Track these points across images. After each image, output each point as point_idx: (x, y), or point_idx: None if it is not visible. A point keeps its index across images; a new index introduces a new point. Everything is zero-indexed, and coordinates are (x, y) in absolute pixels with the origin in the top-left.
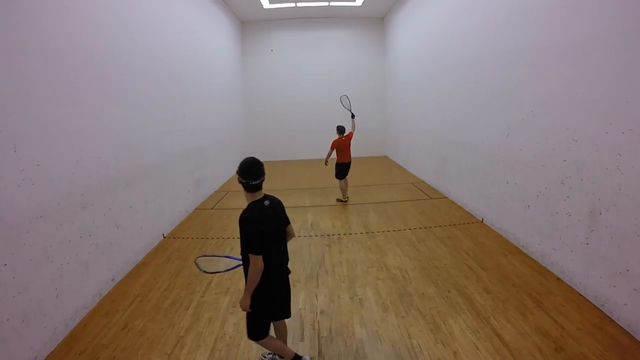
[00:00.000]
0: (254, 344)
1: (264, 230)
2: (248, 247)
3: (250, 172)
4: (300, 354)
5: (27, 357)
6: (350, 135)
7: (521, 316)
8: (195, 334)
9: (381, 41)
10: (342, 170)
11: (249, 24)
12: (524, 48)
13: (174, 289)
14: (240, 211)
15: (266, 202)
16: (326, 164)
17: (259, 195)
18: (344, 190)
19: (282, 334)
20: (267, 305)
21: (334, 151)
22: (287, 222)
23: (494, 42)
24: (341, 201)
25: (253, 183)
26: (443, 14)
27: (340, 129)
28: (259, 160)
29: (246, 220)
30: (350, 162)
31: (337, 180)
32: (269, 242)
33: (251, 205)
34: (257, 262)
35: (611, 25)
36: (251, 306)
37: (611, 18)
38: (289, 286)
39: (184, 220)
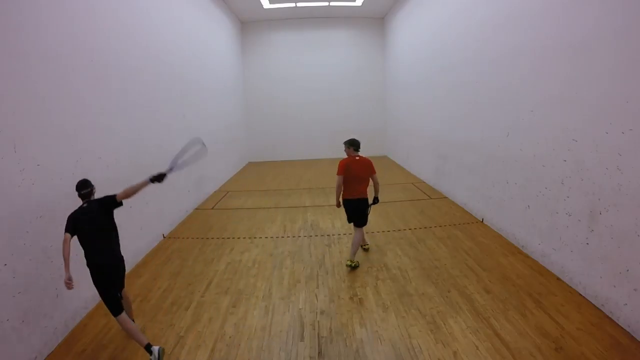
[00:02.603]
0: (254, 344)
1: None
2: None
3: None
4: (153, 346)
5: (27, 357)
6: (370, 162)
7: (521, 316)
8: (195, 334)
9: (381, 41)
10: (353, 210)
11: (249, 24)
12: (524, 48)
13: (174, 289)
14: (240, 211)
15: (85, 205)
16: (338, 206)
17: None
18: (355, 246)
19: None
20: (98, 284)
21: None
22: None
23: (494, 42)
24: (351, 266)
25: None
26: (443, 14)
27: (353, 143)
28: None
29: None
30: (365, 200)
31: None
32: (84, 238)
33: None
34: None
35: (611, 25)
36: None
37: (611, 18)
38: (116, 279)
39: (184, 220)
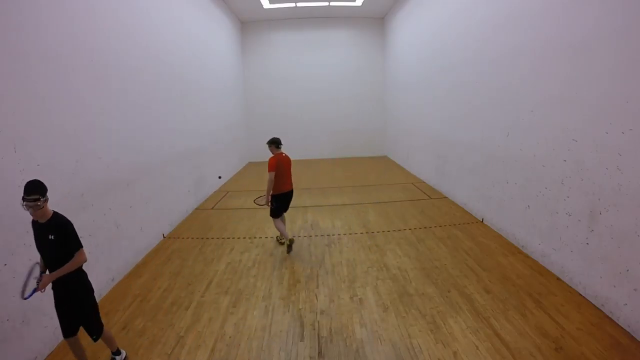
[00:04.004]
0: (254, 344)
1: None
2: (79, 243)
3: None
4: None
5: (27, 357)
6: (290, 158)
7: (521, 316)
8: (195, 334)
9: (381, 41)
10: (282, 203)
11: (249, 24)
12: (524, 48)
13: (174, 289)
14: (240, 211)
15: (43, 222)
16: (268, 204)
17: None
18: (282, 230)
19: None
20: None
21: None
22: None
23: (494, 42)
24: (282, 243)
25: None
26: (443, 14)
27: (275, 141)
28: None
29: (69, 222)
30: (292, 192)
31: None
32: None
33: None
34: (83, 254)
35: (611, 25)
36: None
37: (611, 18)
38: (66, 307)
39: (184, 220)
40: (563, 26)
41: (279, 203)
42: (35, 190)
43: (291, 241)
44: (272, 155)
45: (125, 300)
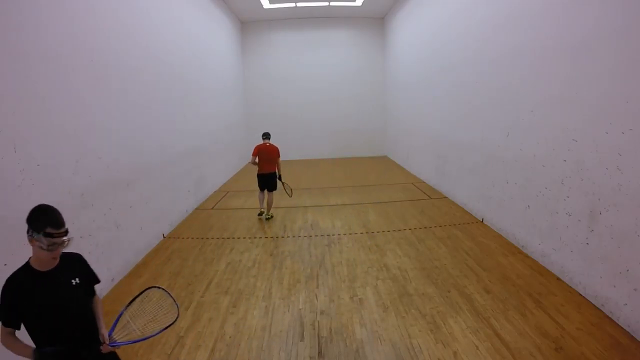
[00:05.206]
0: (254, 344)
1: None
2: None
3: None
4: None
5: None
6: (276, 148)
7: (521, 316)
8: (195, 334)
9: (381, 41)
10: (260, 181)
11: (249, 24)
12: (524, 48)
13: (174, 289)
14: (240, 211)
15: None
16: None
17: None
18: (261, 201)
19: None
20: None
21: (255, 160)
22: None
23: (494, 42)
24: (267, 218)
25: None
26: (443, 14)
27: (264, 134)
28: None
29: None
30: (273, 173)
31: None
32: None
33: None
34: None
35: (611, 25)
36: None
37: (611, 18)
38: None
39: (184, 220)
40: (563, 26)
41: (259, 180)
42: (63, 220)
43: (261, 212)
44: (259, 143)
45: (125, 301)
